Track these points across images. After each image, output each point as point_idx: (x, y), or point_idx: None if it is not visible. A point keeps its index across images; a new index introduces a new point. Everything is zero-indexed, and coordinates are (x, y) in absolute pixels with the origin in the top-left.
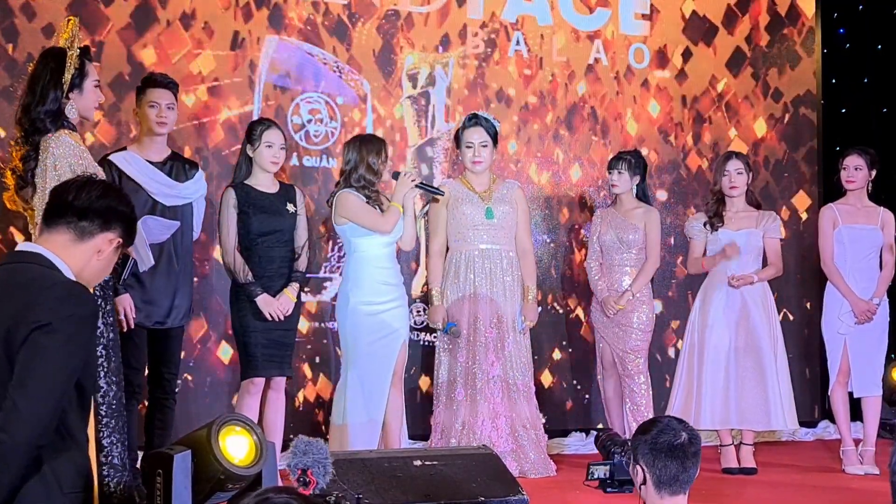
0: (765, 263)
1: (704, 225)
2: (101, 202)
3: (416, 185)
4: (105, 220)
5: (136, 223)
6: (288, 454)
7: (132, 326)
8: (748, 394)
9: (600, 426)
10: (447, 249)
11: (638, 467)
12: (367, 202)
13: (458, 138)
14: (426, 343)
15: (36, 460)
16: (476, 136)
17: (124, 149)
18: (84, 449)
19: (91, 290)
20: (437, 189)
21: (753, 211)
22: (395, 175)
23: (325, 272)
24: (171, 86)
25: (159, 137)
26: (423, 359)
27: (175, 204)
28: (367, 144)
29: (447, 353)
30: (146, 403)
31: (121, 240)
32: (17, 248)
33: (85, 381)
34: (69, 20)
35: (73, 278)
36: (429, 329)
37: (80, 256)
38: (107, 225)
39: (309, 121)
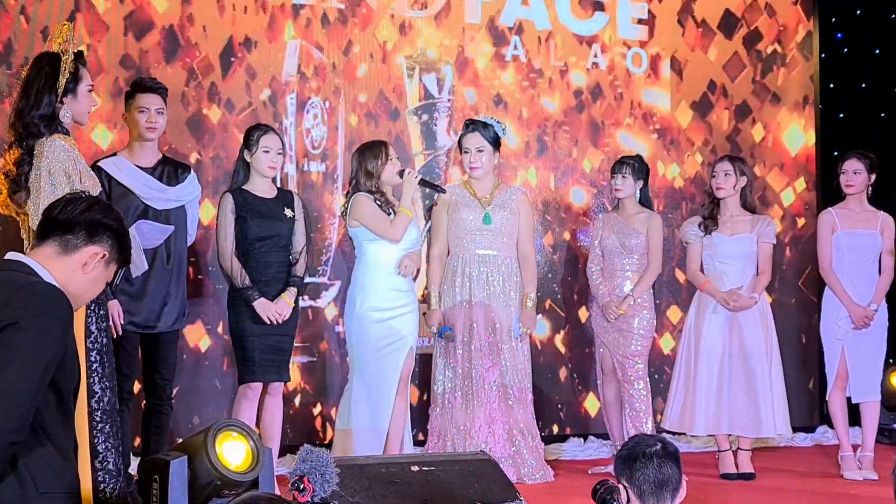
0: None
1: (699, 226)
2: (85, 215)
3: (420, 182)
4: (90, 234)
5: (126, 239)
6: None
7: (120, 332)
8: (739, 400)
9: (598, 438)
10: (447, 254)
11: (621, 487)
12: (381, 207)
13: (459, 146)
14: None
15: (12, 459)
16: (472, 141)
17: (114, 154)
18: (65, 452)
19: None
20: (438, 186)
21: (748, 215)
22: (402, 174)
23: (318, 277)
24: (160, 90)
25: (149, 143)
26: (420, 364)
27: (167, 207)
28: (364, 151)
29: (444, 358)
30: (143, 409)
31: (106, 254)
32: (6, 258)
33: (61, 382)
34: (63, 24)
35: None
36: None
37: (65, 268)
38: (91, 238)
39: (315, 125)
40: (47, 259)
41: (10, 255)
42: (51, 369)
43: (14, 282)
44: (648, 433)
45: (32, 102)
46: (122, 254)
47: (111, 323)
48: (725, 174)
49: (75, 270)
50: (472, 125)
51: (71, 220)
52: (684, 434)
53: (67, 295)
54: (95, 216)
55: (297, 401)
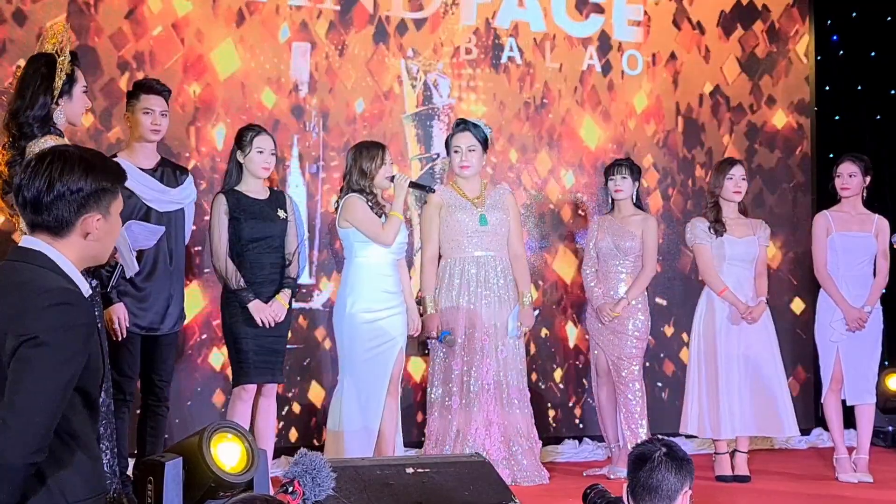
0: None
1: (709, 229)
2: (50, 197)
3: (410, 185)
4: (73, 210)
5: (104, 186)
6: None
7: (125, 335)
8: (758, 401)
9: (593, 438)
10: (439, 256)
11: (623, 483)
12: (371, 209)
13: (447, 144)
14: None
15: (38, 473)
16: (463, 140)
17: (114, 156)
18: (94, 453)
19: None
20: (427, 186)
21: (745, 218)
22: (393, 179)
23: (310, 277)
24: (165, 92)
25: (150, 144)
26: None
27: (168, 209)
28: (362, 150)
29: (442, 361)
30: (138, 410)
31: (101, 216)
32: (20, 244)
33: (87, 384)
34: (57, 24)
35: (76, 269)
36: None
37: (72, 246)
38: (78, 211)
39: (310, 128)
40: (52, 242)
41: (27, 243)
42: (74, 381)
43: (32, 282)
44: (645, 436)
45: (28, 103)
46: (109, 187)
47: (116, 327)
48: (743, 178)
49: (81, 243)
50: (463, 124)
51: (47, 218)
52: (679, 435)
53: (90, 256)
54: (60, 190)
55: (291, 402)
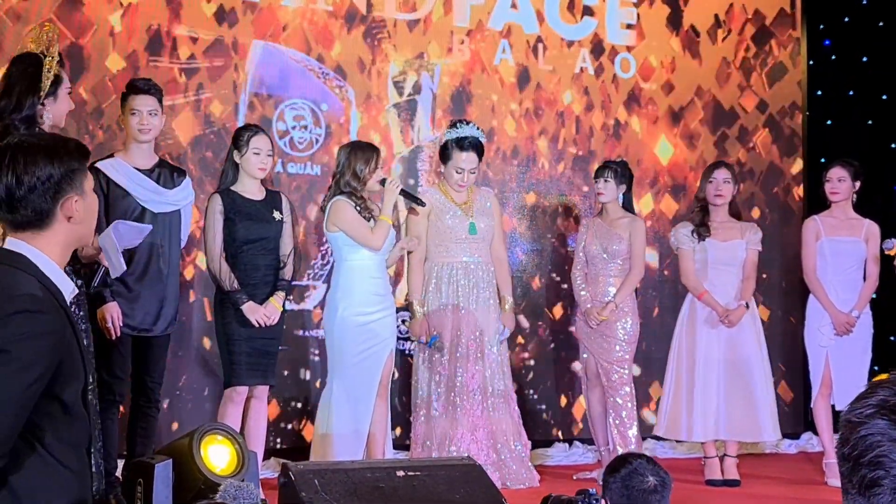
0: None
1: (692, 233)
2: (22, 192)
3: (400, 193)
4: (49, 198)
5: (73, 167)
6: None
7: (118, 335)
8: (737, 405)
9: (581, 435)
10: (426, 259)
11: (604, 501)
12: (360, 213)
13: (444, 152)
14: (409, 352)
15: (4, 482)
16: (468, 162)
17: (111, 156)
18: (71, 463)
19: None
20: (418, 199)
21: (736, 222)
22: (383, 182)
23: (308, 279)
24: (153, 91)
25: (145, 144)
26: (405, 368)
27: (163, 211)
28: (357, 151)
29: (427, 365)
30: (129, 411)
31: (77, 196)
32: (3, 247)
33: (63, 391)
34: (44, 25)
35: (58, 268)
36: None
37: (55, 239)
38: (55, 198)
39: (293, 127)
40: (36, 240)
41: (9, 245)
42: (35, 389)
43: (0, 290)
44: (635, 439)
45: (14, 104)
46: (77, 166)
47: (109, 326)
48: (725, 181)
49: (66, 229)
50: (469, 146)
51: (30, 212)
52: (669, 439)
53: (75, 240)
54: (35, 185)
55: (282, 404)
